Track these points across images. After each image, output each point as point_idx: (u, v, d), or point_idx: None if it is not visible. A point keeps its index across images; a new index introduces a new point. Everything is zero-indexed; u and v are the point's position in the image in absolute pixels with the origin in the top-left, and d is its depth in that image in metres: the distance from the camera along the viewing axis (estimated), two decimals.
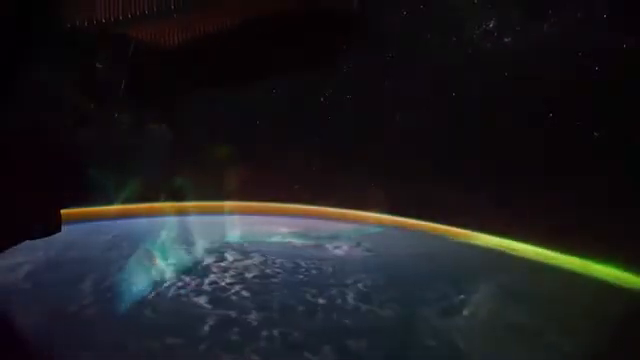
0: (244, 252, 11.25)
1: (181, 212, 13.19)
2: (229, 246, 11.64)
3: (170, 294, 8.24)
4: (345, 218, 14.81)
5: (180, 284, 8.77)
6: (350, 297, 8.51)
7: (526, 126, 12.53)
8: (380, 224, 14.45)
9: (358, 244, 12.73)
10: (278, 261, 10.74)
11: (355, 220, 14.65)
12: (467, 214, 12.90)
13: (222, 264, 10.28)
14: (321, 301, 8.30)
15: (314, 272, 10.13)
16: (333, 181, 14.19)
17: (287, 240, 12.89)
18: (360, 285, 9.14)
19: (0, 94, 1.85)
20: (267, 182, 14.22)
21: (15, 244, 1.88)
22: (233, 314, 7.57)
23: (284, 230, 13.80)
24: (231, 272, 9.72)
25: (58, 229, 1.92)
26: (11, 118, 1.81)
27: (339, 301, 8.35)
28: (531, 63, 12.23)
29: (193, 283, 8.79)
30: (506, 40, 12.56)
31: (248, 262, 10.57)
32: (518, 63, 12.35)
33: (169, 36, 1.87)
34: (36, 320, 6.34)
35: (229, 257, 10.81)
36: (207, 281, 9.05)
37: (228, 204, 14.38)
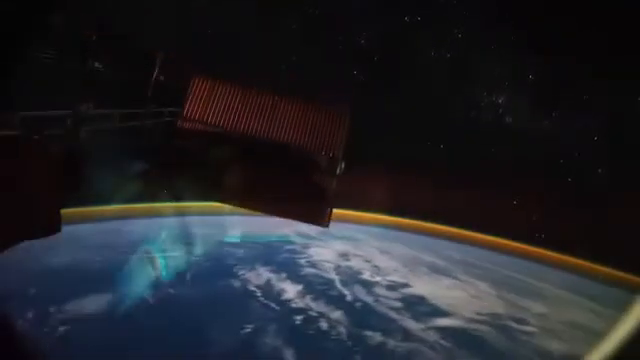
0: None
1: (182, 212, 13.18)
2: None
3: None
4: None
5: None
6: None
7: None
8: None
9: None
10: None
11: None
12: None
13: None
14: None
15: None
16: None
17: None
18: None
19: (0, 95, 1.86)
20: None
21: (15, 244, 1.88)
22: None
23: None
24: None
25: (58, 229, 1.92)
26: (11, 118, 1.81)
27: None
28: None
29: None
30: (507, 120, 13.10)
31: None
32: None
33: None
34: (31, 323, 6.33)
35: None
36: None
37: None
